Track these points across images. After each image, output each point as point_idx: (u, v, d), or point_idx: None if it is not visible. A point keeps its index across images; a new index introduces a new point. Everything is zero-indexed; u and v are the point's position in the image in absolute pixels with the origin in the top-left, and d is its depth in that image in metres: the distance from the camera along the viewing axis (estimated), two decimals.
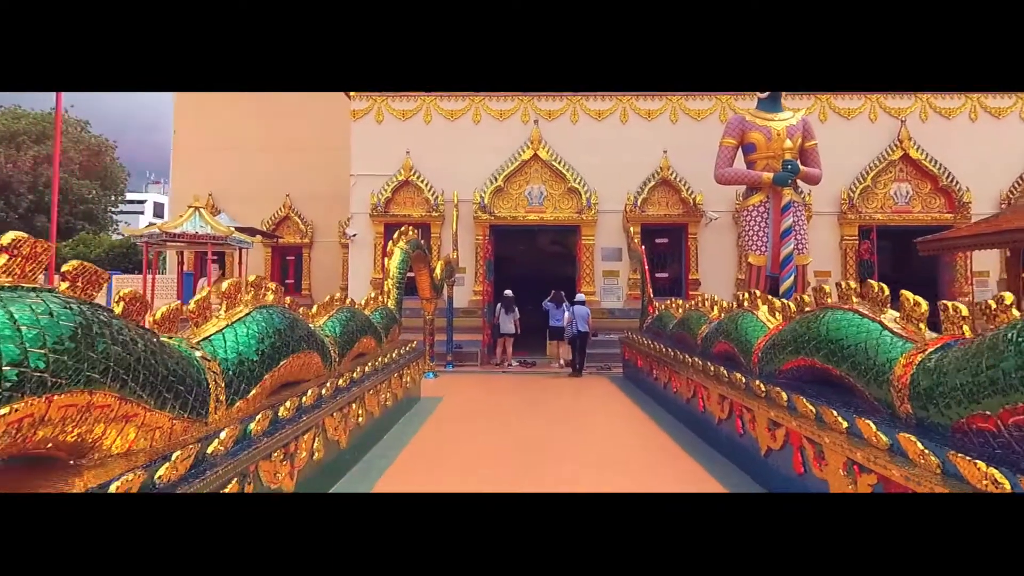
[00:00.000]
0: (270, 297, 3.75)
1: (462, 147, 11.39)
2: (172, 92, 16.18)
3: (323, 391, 3.95)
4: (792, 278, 8.12)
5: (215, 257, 15.60)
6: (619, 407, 7.05)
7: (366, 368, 4.95)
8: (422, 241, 8.86)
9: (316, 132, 14.55)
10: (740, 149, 8.79)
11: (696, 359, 5.53)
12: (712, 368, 5.04)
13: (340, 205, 12.59)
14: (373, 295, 6.65)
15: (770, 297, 4.76)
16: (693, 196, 11.06)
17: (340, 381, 4.28)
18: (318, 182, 14.40)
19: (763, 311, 4.80)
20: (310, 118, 14.49)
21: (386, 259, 7.54)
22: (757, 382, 4.09)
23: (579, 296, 9.89)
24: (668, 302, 8.23)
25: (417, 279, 9.38)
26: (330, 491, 3.86)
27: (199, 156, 15.24)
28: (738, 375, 4.48)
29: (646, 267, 9.46)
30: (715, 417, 4.95)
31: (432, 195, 11.41)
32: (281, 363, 3.37)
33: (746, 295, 5.29)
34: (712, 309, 6.12)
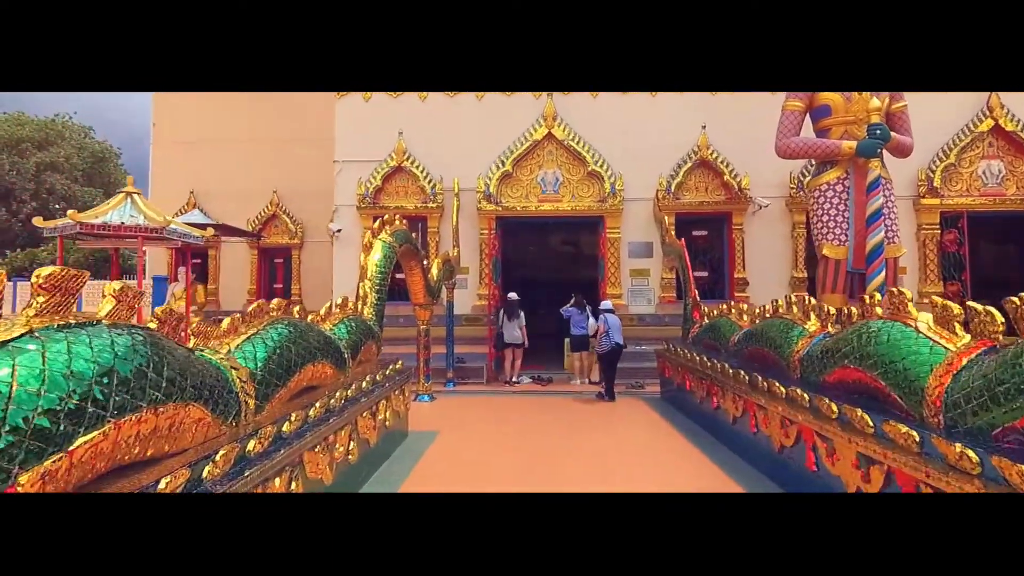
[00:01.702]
0: (104, 309, 2.08)
1: (463, 127, 9.73)
2: (157, 92, 14.95)
3: (206, 470, 2.27)
4: (882, 275, 6.35)
5: (196, 260, 14.17)
6: (674, 448, 5.31)
7: (310, 413, 3.27)
8: (414, 234, 7.19)
9: (307, 123, 13.09)
10: (808, 114, 7.07)
11: (797, 391, 3.81)
12: (834, 408, 3.32)
13: (333, 202, 11.01)
14: (340, 301, 4.98)
15: (939, 300, 3.03)
16: (738, 179, 9.31)
17: (253, 444, 2.60)
18: (309, 177, 12.88)
19: (925, 321, 3.07)
20: (300, 108, 13.00)
21: (362, 255, 5.87)
22: (958, 447, 2.37)
23: (606, 304, 8.18)
24: (723, 307, 6.51)
25: (408, 281, 7.72)
26: None
27: (180, 150, 13.94)
28: (900, 427, 2.76)
29: (688, 264, 7.73)
30: (847, 484, 3.22)
31: (429, 183, 9.74)
32: (96, 433, 1.70)
33: (871, 297, 3.57)
34: (808, 317, 4.39)
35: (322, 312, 4.58)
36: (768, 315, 5.17)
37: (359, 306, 5.61)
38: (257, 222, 13.41)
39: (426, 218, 9.82)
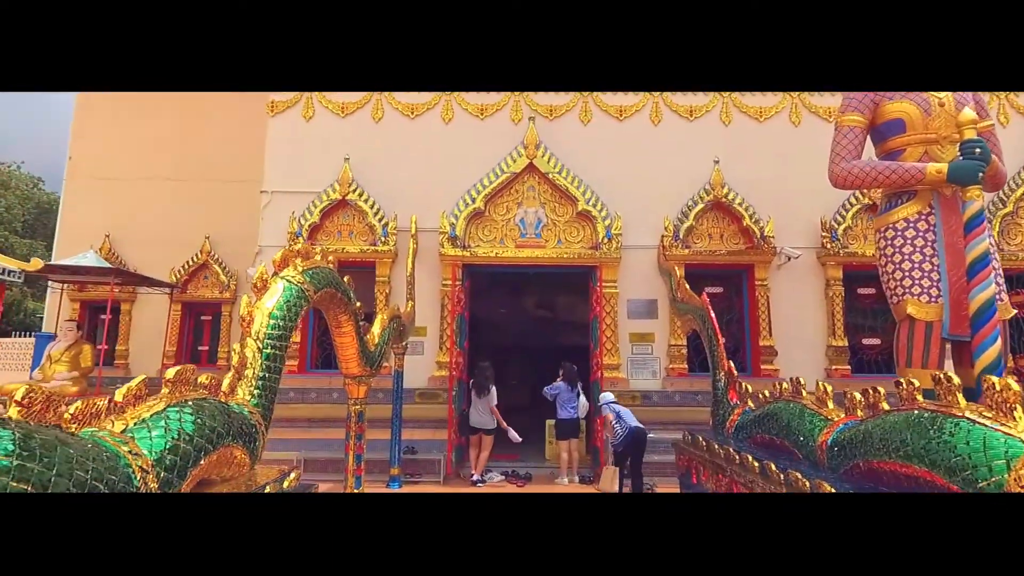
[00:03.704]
0: None
1: (425, 153, 7.98)
2: (77, 123, 13.28)
3: None
4: (998, 344, 4.52)
5: (108, 316, 11.86)
6: None
7: None
8: (348, 279, 5.10)
9: (244, 160, 11.33)
10: (869, 134, 5.49)
11: None
12: None
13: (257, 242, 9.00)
14: (172, 375, 2.82)
15: None
16: (760, 225, 7.66)
17: None
18: (245, 222, 10.94)
19: None
20: (237, 143, 11.26)
21: (246, 300, 3.74)
22: None
23: (607, 396, 6.29)
24: (781, 386, 4.54)
25: (336, 343, 5.55)
26: None
27: (97, 188, 12.18)
28: None
29: (716, 327, 5.82)
30: None
31: (380, 220, 7.83)
32: None
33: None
34: (1009, 415, 2.43)
35: (119, 397, 2.39)
36: (882, 404, 3.20)
37: (231, 380, 3.44)
38: (183, 272, 11.31)
39: (375, 264, 7.82)
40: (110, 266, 9.56)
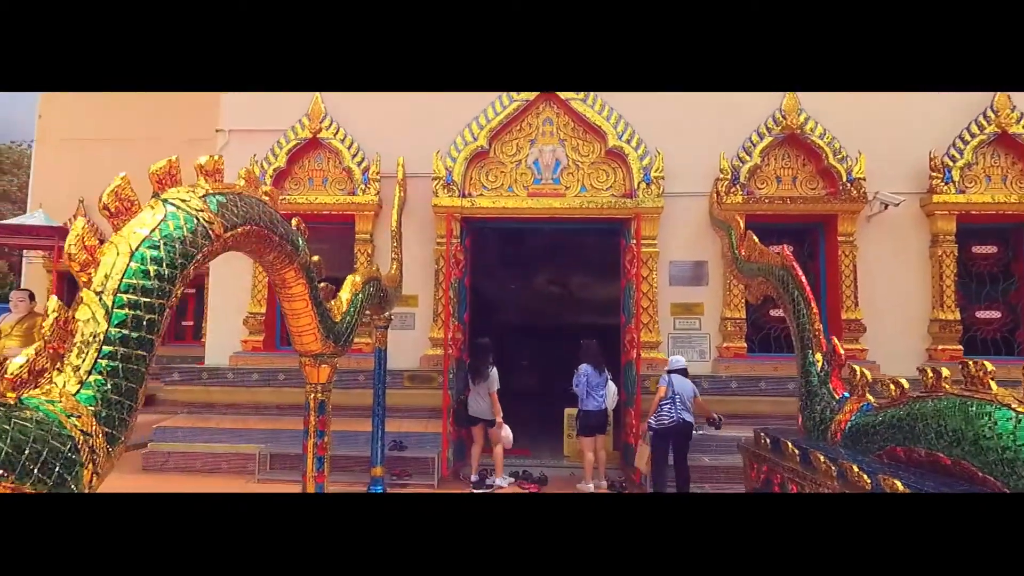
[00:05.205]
0: None
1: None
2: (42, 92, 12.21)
3: None
4: None
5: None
6: None
7: None
8: (297, 222, 3.53)
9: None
10: None
11: None
12: None
13: None
14: None
15: None
16: (847, 165, 5.94)
17: None
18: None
19: None
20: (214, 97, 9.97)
21: (78, 228, 2.22)
22: None
23: (676, 360, 4.95)
24: (937, 374, 2.92)
25: (285, 309, 4.03)
26: None
27: (68, 148, 11.02)
28: None
29: (807, 289, 4.18)
30: None
31: (359, 163, 6.32)
32: None
33: None
34: None
35: None
36: None
37: (29, 361, 1.92)
38: None
39: (354, 219, 6.32)
40: (56, 224, 8.28)
